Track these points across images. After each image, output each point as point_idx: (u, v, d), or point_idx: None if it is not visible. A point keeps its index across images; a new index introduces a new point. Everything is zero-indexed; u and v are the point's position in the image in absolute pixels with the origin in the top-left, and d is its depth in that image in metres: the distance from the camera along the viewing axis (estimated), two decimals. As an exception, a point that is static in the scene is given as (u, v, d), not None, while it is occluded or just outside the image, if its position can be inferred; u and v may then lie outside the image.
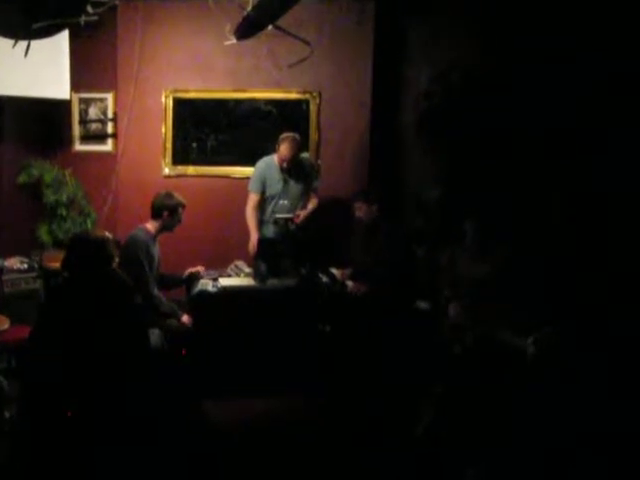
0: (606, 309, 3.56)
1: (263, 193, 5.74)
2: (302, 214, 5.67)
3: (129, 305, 3.49)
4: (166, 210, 4.97)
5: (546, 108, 5.51)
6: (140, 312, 3.47)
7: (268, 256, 5.30)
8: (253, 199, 5.72)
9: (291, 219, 5.58)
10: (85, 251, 3.75)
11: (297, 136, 5.62)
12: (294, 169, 5.68)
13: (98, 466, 3.11)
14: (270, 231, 5.69)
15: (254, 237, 5.59)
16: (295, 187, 5.74)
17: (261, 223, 5.76)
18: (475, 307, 4.15)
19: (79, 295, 3.60)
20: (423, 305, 4.95)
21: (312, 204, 5.81)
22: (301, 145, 5.72)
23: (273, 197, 5.72)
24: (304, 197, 5.80)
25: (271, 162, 5.73)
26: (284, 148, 5.55)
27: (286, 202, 5.70)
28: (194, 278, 5.21)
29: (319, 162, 6.33)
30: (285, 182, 5.70)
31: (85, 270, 3.70)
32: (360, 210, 5.18)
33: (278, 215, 5.59)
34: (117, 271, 3.90)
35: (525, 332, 3.23)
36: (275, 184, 5.71)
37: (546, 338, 3.06)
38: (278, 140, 5.60)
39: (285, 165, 5.60)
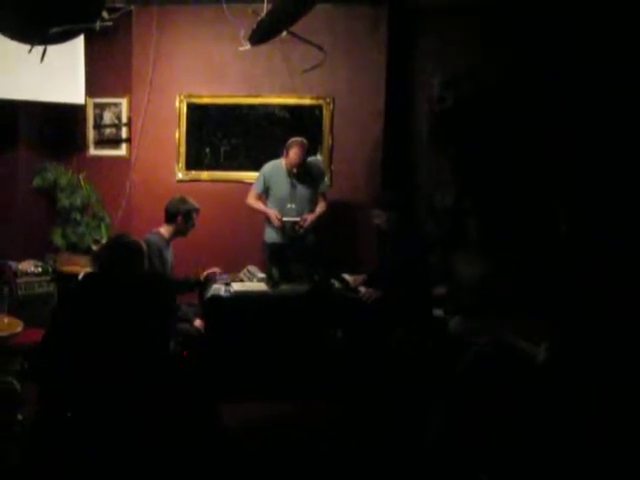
0: (612, 313, 3.55)
1: (266, 193, 5.79)
2: (309, 218, 5.68)
3: (155, 309, 3.48)
4: (180, 215, 4.98)
5: (553, 112, 5.52)
6: (166, 317, 3.46)
7: (281, 261, 5.32)
8: (252, 194, 5.81)
9: (298, 222, 5.60)
10: (127, 252, 3.78)
11: (305, 141, 5.63)
12: (302, 173, 5.70)
13: (110, 468, 3.12)
14: (278, 236, 5.71)
15: (271, 212, 5.65)
16: (303, 191, 5.75)
17: (269, 227, 5.79)
18: (483, 313, 4.14)
19: (107, 293, 3.61)
20: (438, 312, 4.93)
21: (320, 208, 5.81)
22: (309, 149, 5.74)
23: (280, 201, 5.73)
24: (312, 201, 5.80)
25: (279, 165, 5.76)
26: (293, 153, 5.58)
27: (294, 206, 5.71)
28: (210, 281, 5.22)
29: (332, 167, 6.34)
30: (293, 186, 5.71)
31: (122, 270, 3.72)
32: (379, 218, 5.15)
33: (285, 218, 5.61)
34: (152, 275, 3.91)
35: (537, 338, 3.23)
36: (282, 188, 5.73)
37: (557, 345, 3.06)
38: (286, 145, 5.62)
39: (295, 170, 5.61)
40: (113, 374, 3.21)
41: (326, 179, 5.98)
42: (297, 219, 5.62)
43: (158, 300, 3.39)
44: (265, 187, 5.78)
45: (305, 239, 5.72)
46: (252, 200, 5.81)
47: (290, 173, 5.67)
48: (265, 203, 5.82)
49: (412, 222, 5.24)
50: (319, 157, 6.25)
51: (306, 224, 5.65)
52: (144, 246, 3.92)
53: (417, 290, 4.91)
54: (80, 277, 4.74)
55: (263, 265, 5.52)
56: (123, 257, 3.77)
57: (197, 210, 5.06)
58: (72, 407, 3.30)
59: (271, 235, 5.77)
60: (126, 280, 3.68)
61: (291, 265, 5.30)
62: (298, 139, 5.61)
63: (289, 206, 5.70)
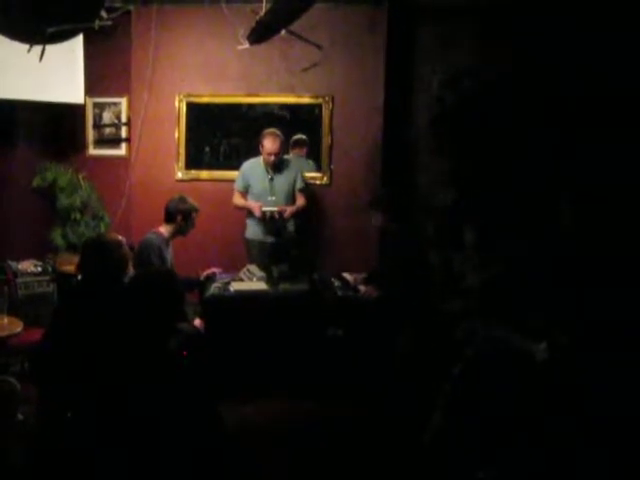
0: (614, 309, 3.54)
1: (246, 190, 5.86)
2: (289, 209, 5.74)
3: (150, 309, 3.46)
4: (180, 214, 4.99)
5: (554, 108, 5.52)
6: (166, 316, 3.44)
7: (281, 260, 5.32)
8: (235, 194, 5.92)
9: (278, 212, 5.65)
10: (99, 254, 3.75)
11: (278, 132, 5.71)
12: (279, 167, 5.79)
13: (108, 468, 3.12)
14: (260, 231, 5.78)
15: (255, 205, 5.72)
16: (281, 184, 5.82)
17: (251, 223, 5.87)
18: (484, 311, 4.14)
19: (92, 297, 3.61)
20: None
21: (300, 202, 5.89)
22: (283, 143, 5.79)
23: (260, 195, 5.80)
24: (291, 195, 5.88)
25: (256, 162, 5.85)
26: (267, 142, 5.65)
27: (273, 198, 5.77)
28: (209, 280, 5.22)
29: (331, 166, 6.35)
30: (271, 180, 5.78)
31: (98, 272, 3.70)
32: (377, 218, 5.16)
33: (265, 208, 5.66)
34: (155, 273, 3.89)
35: (536, 337, 3.23)
36: (261, 182, 5.80)
37: (557, 343, 3.06)
38: (259, 138, 5.70)
39: (272, 159, 5.67)
40: (110, 376, 3.20)
41: (302, 176, 6.00)
42: (275, 209, 5.68)
43: (157, 299, 3.37)
44: (245, 184, 5.85)
45: (285, 233, 5.79)
46: (236, 199, 5.91)
47: (267, 166, 5.74)
48: (247, 200, 5.89)
49: (409, 221, 5.24)
50: (291, 156, 6.25)
51: (286, 214, 5.70)
52: (120, 242, 3.87)
53: (416, 289, 4.90)
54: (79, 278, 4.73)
55: (245, 261, 5.56)
56: (93, 258, 3.74)
57: (197, 210, 5.07)
58: (71, 407, 3.30)
59: (252, 230, 5.84)
60: (107, 278, 3.66)
61: (291, 264, 5.33)
62: (271, 130, 5.72)
63: (269, 198, 5.77)
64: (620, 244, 4.38)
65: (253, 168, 5.85)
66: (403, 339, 4.77)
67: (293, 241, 5.79)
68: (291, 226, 5.86)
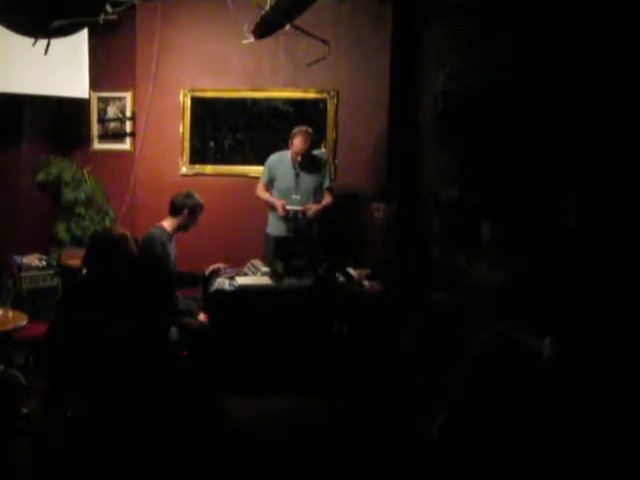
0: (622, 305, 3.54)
1: (271, 184, 5.80)
2: (313, 207, 5.69)
3: (150, 302, 3.48)
4: (187, 208, 4.98)
5: (558, 106, 5.51)
6: (162, 309, 3.45)
7: (285, 255, 5.31)
8: (260, 185, 5.85)
9: (302, 211, 5.61)
10: (105, 248, 3.76)
11: (310, 130, 5.63)
12: (307, 164, 5.70)
13: (113, 462, 3.12)
14: (283, 228, 5.71)
15: (278, 203, 5.66)
16: (307, 182, 5.75)
17: (273, 219, 5.81)
18: (493, 308, 4.13)
19: (97, 292, 3.61)
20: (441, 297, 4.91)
21: (326, 200, 5.81)
22: (314, 140, 5.74)
23: (285, 191, 5.74)
24: (317, 193, 5.80)
25: (284, 156, 5.76)
26: (297, 141, 5.58)
27: (298, 197, 5.71)
28: (214, 275, 5.22)
29: (336, 162, 6.34)
30: (297, 176, 5.71)
31: (105, 267, 3.71)
32: (378, 211, 5.15)
33: (289, 207, 5.62)
34: (146, 264, 3.90)
35: (543, 333, 3.22)
36: (286, 178, 5.74)
37: (564, 339, 3.05)
38: (291, 134, 5.63)
39: (299, 159, 5.62)
40: (114, 368, 3.21)
41: (329, 174, 5.95)
42: (300, 208, 5.64)
43: (152, 289, 3.39)
44: (270, 177, 5.79)
45: (308, 231, 5.73)
46: (260, 191, 5.84)
47: (294, 163, 5.68)
48: (271, 194, 5.83)
49: (410, 214, 5.22)
50: (323, 150, 6.25)
51: (310, 213, 5.65)
52: (127, 237, 3.88)
53: (415, 284, 4.89)
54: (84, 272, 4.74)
55: (264, 258, 5.53)
56: (100, 252, 3.76)
57: (202, 207, 5.06)
58: (75, 401, 3.31)
59: (274, 227, 5.78)
60: (112, 273, 3.67)
61: (296, 259, 5.30)
62: (303, 128, 5.63)
63: (294, 197, 5.71)
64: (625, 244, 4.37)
65: (280, 162, 5.77)
66: (406, 334, 4.77)
67: (313, 240, 5.75)
68: (316, 226, 5.81)
